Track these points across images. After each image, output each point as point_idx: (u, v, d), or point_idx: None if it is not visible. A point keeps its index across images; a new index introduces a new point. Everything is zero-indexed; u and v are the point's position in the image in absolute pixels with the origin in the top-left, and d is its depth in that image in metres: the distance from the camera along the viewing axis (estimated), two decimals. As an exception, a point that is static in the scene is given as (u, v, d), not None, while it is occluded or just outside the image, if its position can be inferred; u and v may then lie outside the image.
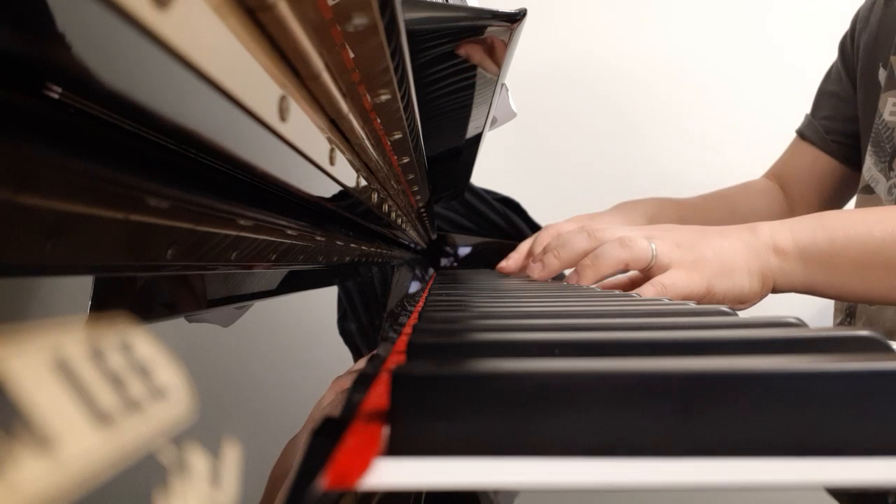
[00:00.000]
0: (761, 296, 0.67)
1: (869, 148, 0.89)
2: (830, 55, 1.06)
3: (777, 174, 1.09)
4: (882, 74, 0.87)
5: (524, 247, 0.91)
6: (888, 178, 0.85)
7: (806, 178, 1.03)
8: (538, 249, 0.83)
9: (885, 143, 0.86)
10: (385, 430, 0.17)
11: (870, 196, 0.89)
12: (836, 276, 0.65)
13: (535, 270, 0.78)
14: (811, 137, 1.03)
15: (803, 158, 1.04)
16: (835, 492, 0.16)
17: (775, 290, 0.67)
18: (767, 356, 0.19)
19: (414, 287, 0.74)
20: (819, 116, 1.02)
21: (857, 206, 0.92)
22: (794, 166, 1.06)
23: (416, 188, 0.52)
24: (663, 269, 0.67)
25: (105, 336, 0.11)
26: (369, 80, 0.23)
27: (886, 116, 0.86)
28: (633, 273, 0.75)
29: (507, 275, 0.97)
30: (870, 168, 0.89)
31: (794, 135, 1.10)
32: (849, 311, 0.92)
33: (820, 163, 1.01)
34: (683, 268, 0.66)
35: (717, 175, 1.54)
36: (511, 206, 1.25)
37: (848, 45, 0.97)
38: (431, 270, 1.18)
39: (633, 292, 0.62)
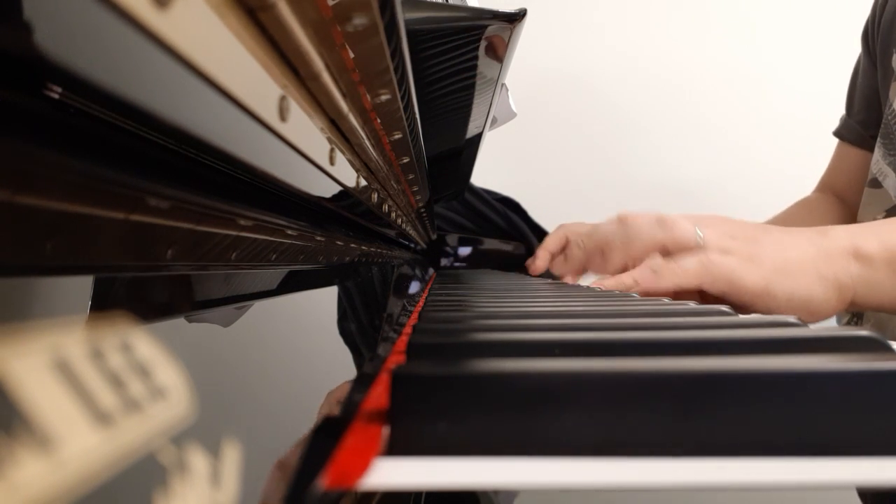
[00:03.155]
0: (836, 309, 0.56)
1: (878, 140, 0.84)
2: (826, 62, 1.05)
3: (829, 184, 0.99)
4: (895, 61, 0.82)
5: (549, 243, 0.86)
6: None
7: (858, 181, 0.91)
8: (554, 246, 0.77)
9: (894, 135, 0.81)
10: (385, 430, 0.17)
11: (877, 190, 0.84)
12: None
13: (557, 265, 0.71)
14: (850, 138, 0.94)
15: (850, 161, 0.95)
16: (863, 492, 0.16)
17: (855, 305, 0.56)
18: (767, 356, 0.19)
19: (414, 287, 0.75)
20: (854, 113, 0.94)
21: (864, 201, 0.87)
22: (843, 172, 0.96)
23: (416, 188, 0.52)
24: None
25: (105, 336, 0.11)
26: (369, 80, 0.23)
27: None
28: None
29: (512, 274, 0.96)
30: (878, 161, 0.84)
31: (789, 139, 1.06)
32: (856, 312, 0.89)
33: (867, 162, 0.89)
34: (737, 258, 0.56)
35: (716, 176, 1.54)
36: (511, 206, 1.25)
37: (870, 34, 0.91)
38: (431, 270, 1.18)
39: (669, 266, 0.55)
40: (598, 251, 0.66)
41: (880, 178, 0.84)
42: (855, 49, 0.97)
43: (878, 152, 0.85)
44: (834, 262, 0.54)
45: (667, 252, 0.59)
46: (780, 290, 0.55)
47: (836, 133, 0.98)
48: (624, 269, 0.62)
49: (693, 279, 0.56)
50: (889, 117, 0.83)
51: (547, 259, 0.84)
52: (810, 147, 1.10)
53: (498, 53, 0.47)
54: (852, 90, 0.97)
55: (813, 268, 0.55)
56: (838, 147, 0.98)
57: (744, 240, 0.58)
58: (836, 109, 1.02)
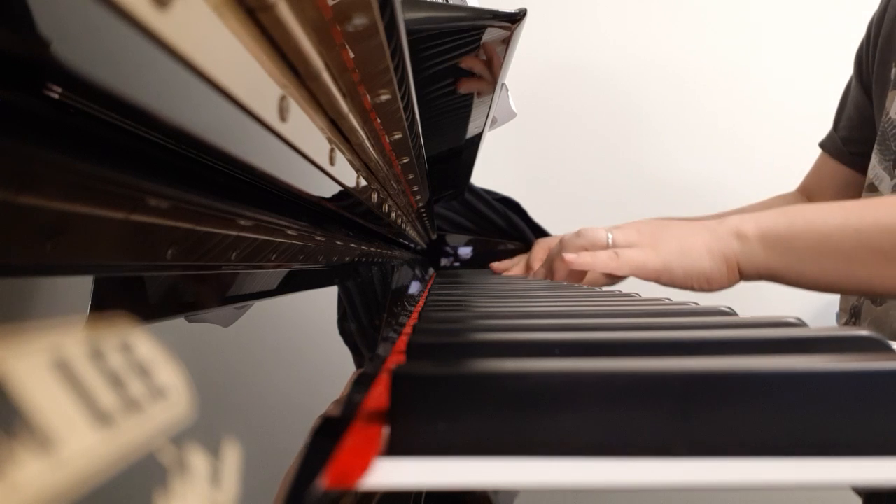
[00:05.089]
0: (728, 278, 0.71)
1: (875, 146, 0.89)
2: (829, 60, 1.06)
3: (805, 188, 1.11)
4: (894, 72, 0.88)
5: (521, 260, 1.07)
6: (892, 177, 0.85)
7: (830, 191, 1.04)
8: (535, 265, 1.00)
9: (890, 140, 0.86)
10: (385, 430, 0.17)
11: (874, 194, 0.89)
12: (792, 260, 0.67)
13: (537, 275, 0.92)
14: (830, 150, 1.04)
15: (826, 171, 1.05)
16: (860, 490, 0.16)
17: (742, 273, 0.71)
18: (767, 356, 0.19)
19: (414, 287, 0.75)
20: (839, 129, 1.03)
21: None
22: (819, 179, 1.07)
23: (416, 188, 0.52)
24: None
25: (105, 336, 0.11)
26: (369, 80, 0.23)
27: (893, 114, 0.86)
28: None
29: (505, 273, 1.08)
30: (874, 166, 0.89)
31: (789, 138, 1.10)
32: (853, 311, 0.92)
33: (841, 174, 1.02)
34: (641, 247, 0.74)
35: (715, 176, 1.54)
36: (511, 206, 1.25)
37: (863, 54, 0.98)
38: (431, 270, 1.18)
39: (588, 252, 0.75)
40: (548, 268, 0.86)
41: (876, 183, 0.89)
42: (856, 46, 0.98)
43: (874, 158, 0.90)
44: (722, 241, 0.70)
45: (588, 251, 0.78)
46: (677, 267, 0.71)
47: (821, 144, 1.07)
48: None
49: (605, 263, 0.73)
50: (885, 125, 0.87)
51: (512, 271, 1.03)
52: (812, 144, 1.11)
53: (498, 54, 0.47)
54: (841, 107, 1.05)
55: (705, 247, 0.70)
56: (820, 156, 1.08)
57: (647, 235, 0.75)
58: (836, 107, 1.04)
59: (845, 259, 0.64)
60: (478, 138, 0.73)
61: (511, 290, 0.61)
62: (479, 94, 0.55)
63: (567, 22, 1.55)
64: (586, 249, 0.78)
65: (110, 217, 0.12)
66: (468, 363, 0.19)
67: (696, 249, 0.71)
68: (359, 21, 0.18)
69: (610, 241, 0.76)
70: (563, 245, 0.82)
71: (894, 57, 0.88)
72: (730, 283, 0.71)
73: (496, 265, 1.07)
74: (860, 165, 0.98)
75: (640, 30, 1.56)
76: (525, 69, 1.20)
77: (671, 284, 0.72)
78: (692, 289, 0.72)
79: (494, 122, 0.86)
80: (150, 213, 0.13)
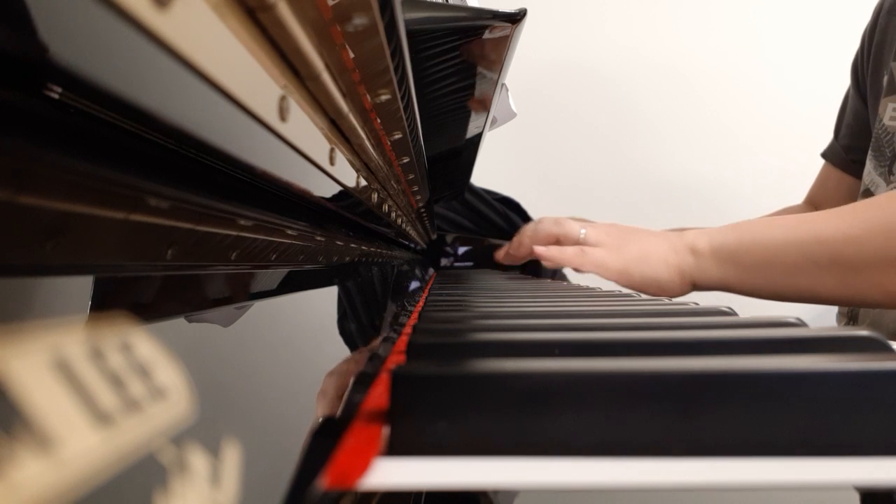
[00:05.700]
0: (681, 289, 0.77)
1: (869, 152, 0.90)
2: (831, 61, 1.06)
3: (811, 199, 1.12)
4: (886, 80, 0.89)
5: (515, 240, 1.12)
6: (888, 183, 0.86)
7: (836, 202, 1.05)
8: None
9: (885, 147, 0.87)
10: (385, 430, 0.17)
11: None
12: (744, 274, 0.72)
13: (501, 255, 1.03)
14: (833, 159, 1.05)
15: (830, 181, 1.07)
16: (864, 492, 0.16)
17: (696, 285, 0.76)
18: (767, 356, 0.19)
19: (414, 287, 0.75)
20: (840, 137, 1.04)
21: None
22: (824, 189, 1.09)
23: (416, 188, 0.52)
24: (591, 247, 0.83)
25: (105, 336, 0.11)
26: (369, 80, 0.23)
27: (886, 121, 0.87)
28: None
29: (505, 270, 1.13)
30: (870, 172, 0.90)
31: (790, 137, 1.10)
32: (851, 314, 0.93)
33: (845, 183, 1.04)
34: (606, 248, 0.80)
35: (717, 177, 1.54)
36: (511, 206, 1.25)
37: (859, 63, 0.99)
38: (431, 270, 1.18)
39: (557, 247, 0.82)
40: (517, 241, 0.94)
41: (872, 189, 0.90)
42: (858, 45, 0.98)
43: (869, 164, 0.91)
44: (678, 254, 0.76)
45: (559, 243, 0.86)
46: (636, 271, 0.77)
47: (823, 154, 1.08)
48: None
49: (571, 259, 0.80)
50: (879, 131, 0.89)
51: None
52: (813, 144, 1.11)
53: (498, 54, 0.47)
54: (841, 116, 1.06)
55: (663, 258, 0.77)
56: (823, 167, 1.09)
57: (615, 237, 0.81)
58: (836, 116, 1.05)
59: (789, 271, 0.69)
60: (478, 138, 0.73)
61: (511, 290, 0.61)
62: (478, 96, 0.55)
63: (567, 21, 1.55)
64: (559, 240, 0.86)
65: (110, 217, 0.12)
66: (468, 363, 0.19)
67: (655, 259, 0.77)
68: (359, 21, 0.18)
69: (582, 237, 0.83)
70: (539, 227, 0.90)
71: (886, 65, 0.89)
72: (682, 293, 0.77)
73: (498, 253, 1.10)
74: (862, 173, 0.98)
75: (640, 29, 1.56)
76: (525, 69, 1.20)
77: (629, 286, 0.78)
78: (647, 293, 0.78)
79: (494, 122, 0.86)
80: (149, 213, 0.13)
